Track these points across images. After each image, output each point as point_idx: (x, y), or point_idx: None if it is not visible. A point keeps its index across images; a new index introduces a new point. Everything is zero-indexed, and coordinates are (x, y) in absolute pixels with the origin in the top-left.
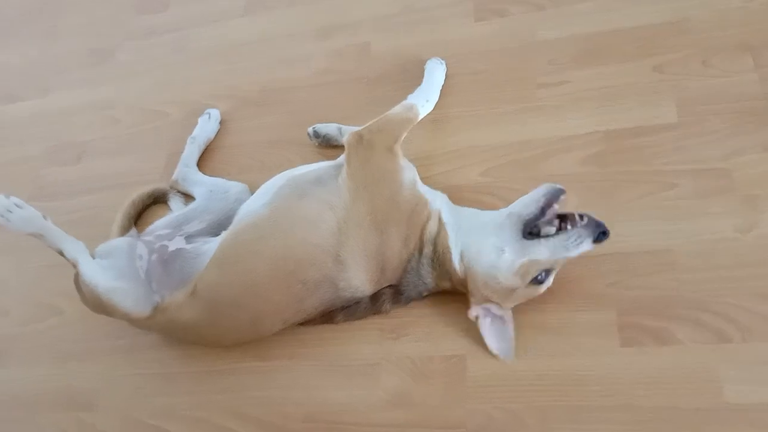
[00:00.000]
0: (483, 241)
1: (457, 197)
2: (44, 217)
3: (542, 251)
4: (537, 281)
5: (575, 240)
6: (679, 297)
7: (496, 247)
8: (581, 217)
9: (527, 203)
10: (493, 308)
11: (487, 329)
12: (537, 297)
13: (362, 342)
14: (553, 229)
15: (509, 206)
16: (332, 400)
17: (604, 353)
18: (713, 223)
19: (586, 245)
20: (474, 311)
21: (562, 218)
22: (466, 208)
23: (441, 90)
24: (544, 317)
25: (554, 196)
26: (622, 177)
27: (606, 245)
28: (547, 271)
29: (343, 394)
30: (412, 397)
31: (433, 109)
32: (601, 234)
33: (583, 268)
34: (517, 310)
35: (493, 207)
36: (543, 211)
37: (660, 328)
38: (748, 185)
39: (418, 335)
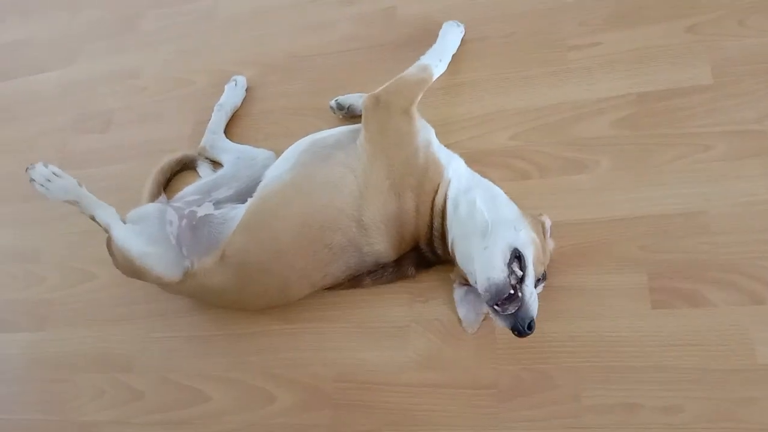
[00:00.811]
0: (464, 253)
1: (486, 162)
2: (79, 184)
3: (470, 273)
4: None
5: (498, 318)
6: (711, 260)
7: (470, 268)
8: (505, 309)
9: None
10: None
11: (461, 297)
12: (569, 260)
13: (392, 305)
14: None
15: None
16: (363, 361)
17: (635, 315)
18: (747, 185)
19: (506, 327)
20: (454, 278)
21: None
22: (477, 186)
23: (469, 54)
24: (576, 279)
25: (494, 296)
26: (655, 140)
27: (639, 208)
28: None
29: (373, 355)
30: (443, 359)
31: (461, 73)
32: (516, 331)
33: (615, 231)
34: (549, 273)
35: (523, 172)
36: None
37: (692, 291)
38: None
39: (447, 298)
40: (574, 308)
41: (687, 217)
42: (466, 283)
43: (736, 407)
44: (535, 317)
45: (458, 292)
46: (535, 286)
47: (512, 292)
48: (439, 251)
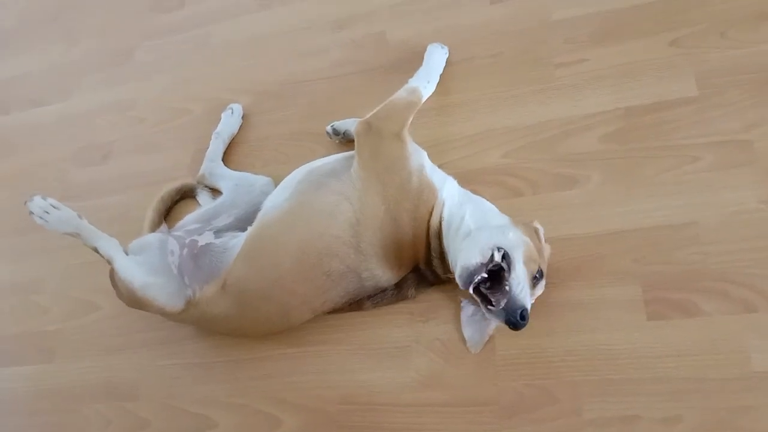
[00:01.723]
0: (454, 265)
1: (479, 181)
2: (79, 216)
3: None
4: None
5: (492, 316)
6: (703, 270)
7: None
8: (498, 302)
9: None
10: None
11: (466, 318)
12: (564, 275)
13: (393, 326)
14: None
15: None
16: (366, 383)
17: (631, 327)
18: (735, 195)
19: (502, 324)
20: (462, 298)
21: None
22: (469, 202)
23: (458, 74)
24: (572, 294)
25: (466, 279)
26: (643, 153)
27: (630, 221)
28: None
29: (376, 377)
30: (444, 377)
31: (452, 93)
32: (511, 324)
33: (608, 244)
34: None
35: (516, 189)
36: (468, 289)
37: (686, 301)
38: None
39: (447, 317)
40: (570, 323)
41: (677, 229)
42: (474, 302)
43: (733, 416)
44: (527, 308)
45: (465, 312)
46: (534, 285)
47: (486, 276)
48: (439, 271)
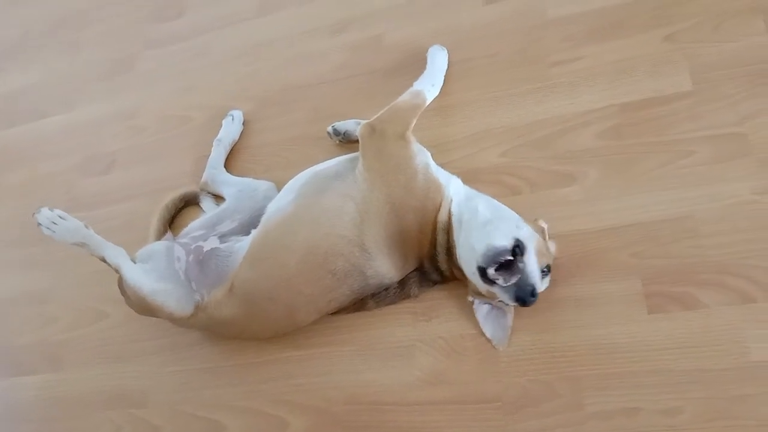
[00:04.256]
0: (466, 252)
1: (478, 180)
2: (86, 226)
3: (480, 284)
4: (505, 302)
5: (501, 293)
6: (701, 262)
7: (471, 266)
8: (508, 280)
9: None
10: (493, 300)
11: (483, 317)
12: (564, 271)
13: (396, 325)
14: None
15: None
16: (371, 382)
17: (631, 321)
18: (731, 187)
19: (509, 301)
20: (471, 296)
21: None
22: (478, 197)
23: (456, 75)
24: (572, 290)
25: (491, 259)
26: (640, 148)
27: (628, 216)
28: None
29: (381, 376)
30: (448, 375)
31: (450, 94)
32: (520, 299)
33: (607, 240)
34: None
35: (514, 188)
36: (488, 268)
37: (685, 294)
38: (764, 147)
39: (450, 315)
40: (572, 318)
41: (675, 222)
42: (483, 297)
43: (732, 405)
44: (537, 288)
45: (480, 311)
46: (542, 278)
47: (511, 258)
48: (443, 267)
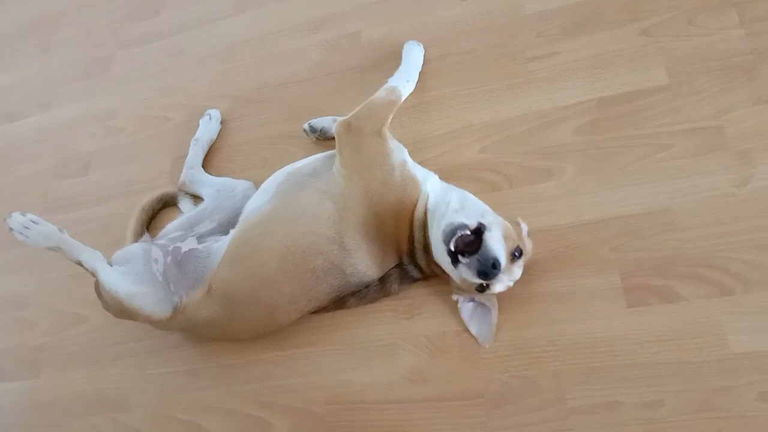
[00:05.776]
0: (437, 242)
1: (457, 177)
2: (60, 230)
3: (453, 272)
4: (479, 289)
5: (465, 272)
6: (680, 255)
7: (441, 254)
8: (463, 255)
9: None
10: (476, 295)
11: (469, 314)
12: (543, 266)
13: (377, 324)
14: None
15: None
16: (353, 382)
17: (611, 315)
18: (709, 180)
19: (474, 278)
20: (455, 295)
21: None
22: (453, 191)
23: (433, 72)
24: (552, 285)
25: (449, 234)
26: (618, 142)
27: (607, 210)
28: (483, 284)
29: (362, 375)
30: (430, 373)
31: (427, 91)
32: (482, 272)
33: (586, 234)
34: (524, 280)
35: (493, 183)
36: (449, 244)
37: (664, 287)
38: (741, 140)
39: (431, 313)
40: (552, 313)
41: (653, 216)
42: (466, 293)
43: (713, 397)
44: (500, 261)
45: (465, 309)
46: (512, 261)
47: (471, 236)
48: (422, 264)
